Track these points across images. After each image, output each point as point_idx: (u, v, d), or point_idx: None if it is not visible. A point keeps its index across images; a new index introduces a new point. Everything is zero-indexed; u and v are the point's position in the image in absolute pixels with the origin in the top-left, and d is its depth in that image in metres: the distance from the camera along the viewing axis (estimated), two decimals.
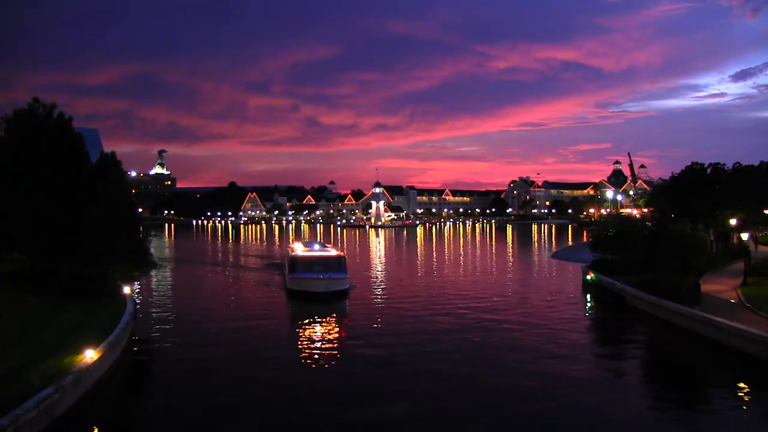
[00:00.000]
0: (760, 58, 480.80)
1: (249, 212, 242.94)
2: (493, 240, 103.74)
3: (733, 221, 43.25)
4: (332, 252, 40.93)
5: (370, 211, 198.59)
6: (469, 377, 19.60)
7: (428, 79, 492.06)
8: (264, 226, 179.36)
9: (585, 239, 77.28)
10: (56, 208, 27.59)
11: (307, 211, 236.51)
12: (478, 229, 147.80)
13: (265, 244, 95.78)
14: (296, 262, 37.35)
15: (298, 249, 41.87)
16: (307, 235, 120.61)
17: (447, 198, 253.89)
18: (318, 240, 67.28)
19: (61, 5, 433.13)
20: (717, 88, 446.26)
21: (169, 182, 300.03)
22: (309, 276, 35.23)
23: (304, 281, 35.34)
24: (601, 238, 40.70)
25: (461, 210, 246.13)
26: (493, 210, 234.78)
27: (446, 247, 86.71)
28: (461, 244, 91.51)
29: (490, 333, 26.18)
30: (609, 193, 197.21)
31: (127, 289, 28.56)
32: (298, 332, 27.57)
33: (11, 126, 29.28)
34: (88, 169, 30.47)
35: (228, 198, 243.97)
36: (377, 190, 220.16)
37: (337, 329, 27.80)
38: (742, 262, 33.83)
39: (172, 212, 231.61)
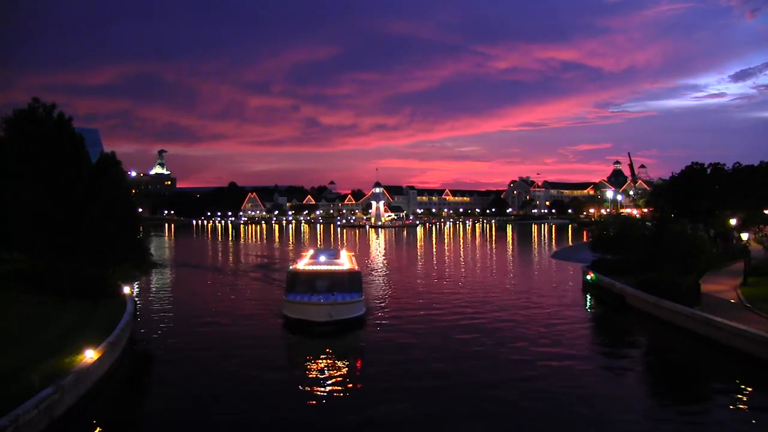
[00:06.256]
0: (760, 58, 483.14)
1: (249, 212, 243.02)
2: (493, 240, 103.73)
3: (733, 221, 43.26)
4: (343, 265, 31.69)
5: (370, 211, 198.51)
6: (468, 376, 19.59)
7: (428, 79, 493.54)
8: (264, 226, 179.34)
9: (585, 239, 77.29)
10: (56, 208, 27.62)
11: (307, 211, 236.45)
12: (478, 229, 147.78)
13: (264, 244, 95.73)
14: (293, 279, 29.45)
15: (304, 259, 34.51)
16: (307, 236, 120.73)
17: (447, 198, 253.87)
18: (326, 245, 58.88)
19: (61, 5, 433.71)
20: (717, 88, 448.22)
21: (169, 182, 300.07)
22: (307, 300, 27.13)
23: (301, 307, 26.91)
24: (601, 238, 40.67)
25: (461, 210, 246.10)
26: (493, 210, 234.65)
27: (447, 247, 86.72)
28: (461, 245, 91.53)
29: (489, 333, 26.15)
30: (609, 193, 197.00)
31: (127, 289, 28.56)
32: (301, 334, 27.53)
33: (11, 126, 29.31)
34: (88, 169, 30.48)
35: (228, 198, 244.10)
36: (377, 190, 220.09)
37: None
38: (742, 262, 33.82)
39: (172, 212, 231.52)
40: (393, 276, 48.39)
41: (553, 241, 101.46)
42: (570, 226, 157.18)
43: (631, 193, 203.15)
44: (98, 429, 15.66)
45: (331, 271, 30.32)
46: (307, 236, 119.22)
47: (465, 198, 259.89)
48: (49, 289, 26.92)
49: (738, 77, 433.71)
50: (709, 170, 58.12)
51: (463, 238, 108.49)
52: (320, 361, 22.04)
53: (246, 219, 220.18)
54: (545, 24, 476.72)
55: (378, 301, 34.19)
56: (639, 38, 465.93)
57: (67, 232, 27.86)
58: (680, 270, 30.58)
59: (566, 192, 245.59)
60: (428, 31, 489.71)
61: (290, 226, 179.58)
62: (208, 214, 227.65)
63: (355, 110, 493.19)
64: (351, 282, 29.39)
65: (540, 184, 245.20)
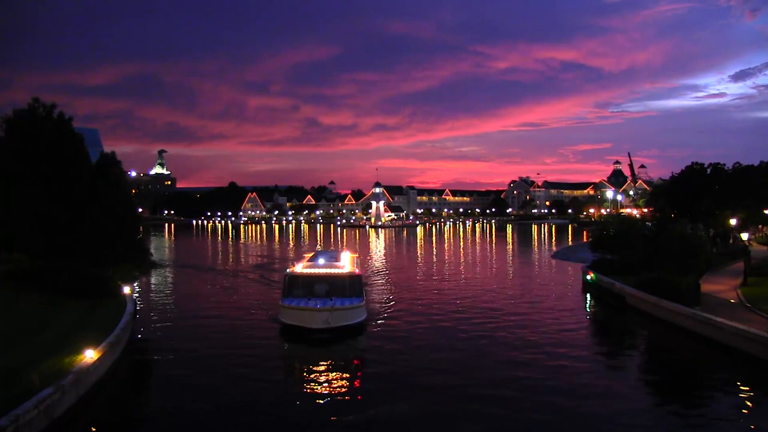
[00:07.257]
0: (760, 58, 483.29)
1: (249, 212, 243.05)
2: (493, 240, 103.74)
3: (733, 221, 43.24)
4: (343, 267, 29.87)
5: (370, 211, 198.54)
6: (468, 376, 19.61)
7: (428, 79, 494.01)
8: (264, 226, 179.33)
9: (585, 239, 77.29)
10: (56, 208, 27.61)
11: (307, 211, 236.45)
12: (478, 230, 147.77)
13: (264, 244, 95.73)
14: (290, 283, 28.01)
15: (304, 261, 33.12)
16: (307, 236, 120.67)
17: (447, 198, 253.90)
18: (326, 245, 56.96)
19: (61, 5, 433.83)
20: (717, 88, 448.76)
21: (169, 182, 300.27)
22: (304, 305, 25.57)
23: (297, 312, 25.49)
24: (601, 238, 40.67)
25: (461, 210, 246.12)
26: (493, 210, 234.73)
27: (447, 248, 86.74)
28: (461, 245, 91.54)
29: (489, 333, 26.14)
30: (609, 193, 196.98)
31: (127, 289, 28.53)
32: (298, 338, 27.52)
33: (11, 126, 29.30)
34: (88, 169, 30.48)
35: (228, 198, 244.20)
36: (377, 190, 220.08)
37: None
38: (742, 262, 33.82)
39: (172, 212, 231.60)
40: (394, 277, 48.36)
41: (553, 241, 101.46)
42: (570, 226, 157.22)
43: (631, 193, 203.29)
44: (98, 429, 15.67)
45: (329, 274, 28.59)
46: (307, 236, 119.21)
47: (465, 198, 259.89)
48: (49, 289, 26.92)
49: (738, 77, 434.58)
50: (709, 170, 58.00)
51: (463, 239, 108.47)
52: (320, 362, 22.00)
53: (246, 219, 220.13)
54: (545, 24, 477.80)
55: (379, 304, 34.08)
56: (639, 38, 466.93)
57: (67, 233, 27.84)
58: (680, 270, 30.58)
59: (566, 192, 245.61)
60: (428, 31, 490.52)
61: (290, 226, 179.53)
62: (208, 214, 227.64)
63: (355, 110, 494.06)
64: (351, 286, 27.82)
65: (540, 184, 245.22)
